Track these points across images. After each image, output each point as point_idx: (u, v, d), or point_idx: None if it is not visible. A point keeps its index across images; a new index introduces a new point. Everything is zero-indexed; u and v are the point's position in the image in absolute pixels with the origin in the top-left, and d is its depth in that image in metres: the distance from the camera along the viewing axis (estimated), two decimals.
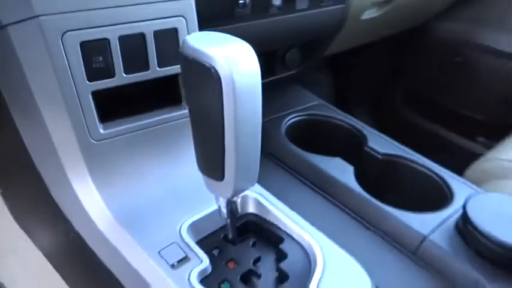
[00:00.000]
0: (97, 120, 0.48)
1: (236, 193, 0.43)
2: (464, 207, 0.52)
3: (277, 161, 0.65)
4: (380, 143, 0.71)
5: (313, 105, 0.82)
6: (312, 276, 0.43)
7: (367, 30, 1.05)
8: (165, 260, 0.44)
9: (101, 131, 0.48)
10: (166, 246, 0.45)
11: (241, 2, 0.58)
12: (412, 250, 0.53)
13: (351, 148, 0.71)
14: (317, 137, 0.76)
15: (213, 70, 0.35)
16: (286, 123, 0.75)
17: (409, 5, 1.09)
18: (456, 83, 1.48)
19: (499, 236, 0.48)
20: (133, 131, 0.50)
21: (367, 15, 0.95)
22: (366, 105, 1.52)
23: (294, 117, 0.77)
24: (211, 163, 0.41)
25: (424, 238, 0.53)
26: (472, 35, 1.41)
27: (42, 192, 0.54)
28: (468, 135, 1.41)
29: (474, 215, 0.51)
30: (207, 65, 0.36)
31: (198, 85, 0.38)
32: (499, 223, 0.50)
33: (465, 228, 0.52)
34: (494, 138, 0.89)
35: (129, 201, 0.50)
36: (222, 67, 0.35)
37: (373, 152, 0.69)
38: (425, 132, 1.47)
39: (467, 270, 0.49)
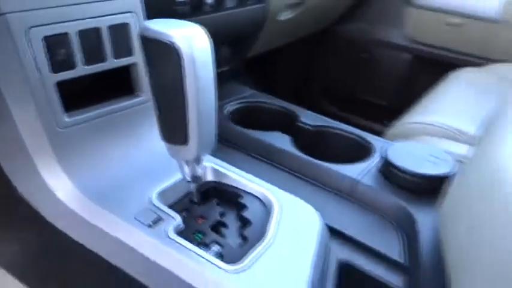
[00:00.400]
0: (62, 109, 0.52)
1: (199, 155, 0.50)
2: (384, 153, 0.65)
3: (223, 141, 0.73)
4: (310, 118, 0.82)
5: (247, 95, 0.92)
6: (271, 218, 0.52)
7: (284, 30, 1.17)
8: (141, 222, 0.49)
9: (66, 119, 0.53)
10: (140, 212, 0.51)
11: (180, 0, 0.66)
12: (347, 192, 0.64)
13: (286, 126, 0.82)
14: (255, 120, 0.85)
15: (174, 46, 0.43)
16: (226, 110, 0.84)
17: (317, 6, 1.24)
18: (363, 75, 1.68)
19: (413, 169, 0.61)
20: (95, 118, 0.55)
21: (284, 16, 1.08)
22: (289, 100, 1.67)
23: (233, 105, 0.86)
24: (176, 130, 0.47)
25: (356, 181, 0.64)
26: (373, 33, 1.62)
27: (7, 192, 0.56)
28: (377, 120, 1.60)
29: (393, 157, 0.63)
30: (168, 42, 0.43)
31: (160, 62, 0.45)
32: (412, 161, 0.63)
33: (387, 169, 0.64)
34: (396, 119, 1.04)
35: (98, 180, 0.54)
36: (182, 43, 0.42)
37: (305, 126, 0.80)
38: (341, 121, 1.65)
39: (394, 201, 0.61)
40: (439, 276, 0.46)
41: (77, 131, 0.54)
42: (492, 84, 1.07)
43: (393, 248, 0.55)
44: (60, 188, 0.53)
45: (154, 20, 0.47)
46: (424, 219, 0.56)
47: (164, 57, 0.44)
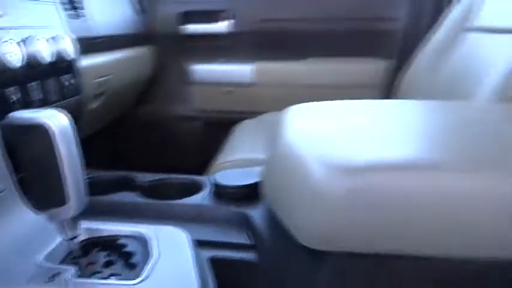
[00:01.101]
0: None
1: (76, 211, 0.60)
2: (213, 181, 0.87)
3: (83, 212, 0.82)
4: (145, 177, 0.99)
5: (91, 170, 1.02)
6: (150, 244, 0.65)
7: (96, 116, 1.32)
8: (38, 281, 0.56)
9: None
10: (33, 275, 0.57)
11: (13, 100, 0.76)
12: (196, 215, 0.82)
13: (128, 187, 0.95)
14: (101, 191, 0.95)
15: (44, 126, 0.55)
16: None
17: (116, 94, 1.45)
18: (169, 148, 1.92)
19: (235, 183, 0.85)
20: None
21: (94, 104, 1.23)
22: None
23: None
24: (54, 194, 0.58)
25: (200, 206, 0.84)
26: (167, 110, 1.90)
27: None
28: None
29: (219, 181, 0.86)
30: (38, 124, 0.55)
31: (32, 143, 0.56)
32: (233, 179, 0.86)
33: (218, 190, 0.86)
34: None
35: None
36: (51, 122, 0.55)
37: (144, 183, 0.96)
38: None
39: (230, 209, 0.82)
40: (279, 240, 0.67)
41: None
42: (264, 126, 1.46)
43: (242, 238, 0.76)
44: None
45: (17, 112, 0.58)
46: (255, 211, 0.79)
47: (35, 137, 0.55)
